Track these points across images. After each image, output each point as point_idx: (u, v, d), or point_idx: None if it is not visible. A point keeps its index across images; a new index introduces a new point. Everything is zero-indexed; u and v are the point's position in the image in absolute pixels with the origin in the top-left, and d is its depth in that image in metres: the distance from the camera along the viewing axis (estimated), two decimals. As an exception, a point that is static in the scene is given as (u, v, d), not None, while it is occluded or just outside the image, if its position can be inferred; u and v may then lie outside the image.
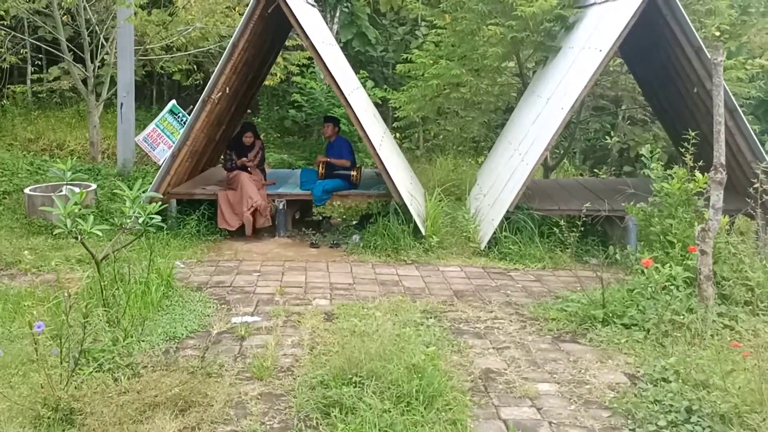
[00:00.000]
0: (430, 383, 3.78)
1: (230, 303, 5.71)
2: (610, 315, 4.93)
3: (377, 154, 7.48)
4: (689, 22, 6.51)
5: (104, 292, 5.17)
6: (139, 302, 5.28)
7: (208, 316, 5.37)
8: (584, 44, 7.35)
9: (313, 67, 13.30)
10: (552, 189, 8.50)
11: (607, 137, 12.35)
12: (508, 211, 6.95)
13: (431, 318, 5.24)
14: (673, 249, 5.14)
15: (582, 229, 5.43)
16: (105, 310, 5.12)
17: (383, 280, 6.46)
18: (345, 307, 5.48)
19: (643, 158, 5.61)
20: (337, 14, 14.30)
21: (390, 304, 5.52)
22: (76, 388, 3.91)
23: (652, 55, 7.93)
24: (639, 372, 4.30)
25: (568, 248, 6.82)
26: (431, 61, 11.04)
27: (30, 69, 13.05)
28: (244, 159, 8.16)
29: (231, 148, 8.33)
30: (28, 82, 13.24)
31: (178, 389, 3.96)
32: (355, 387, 3.80)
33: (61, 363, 4.23)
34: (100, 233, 4.88)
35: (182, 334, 4.95)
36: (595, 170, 12.58)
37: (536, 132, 7.27)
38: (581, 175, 12.54)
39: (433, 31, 11.74)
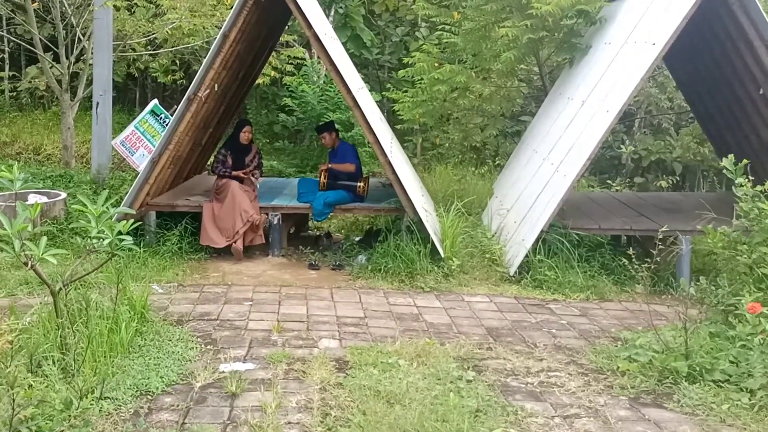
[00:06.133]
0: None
1: (217, 343, 4.69)
2: (697, 368, 3.94)
3: (388, 162, 6.49)
4: (762, 13, 5.58)
5: (61, 330, 4.21)
6: (104, 344, 4.28)
7: (190, 361, 4.36)
8: (627, 39, 6.41)
9: (306, 66, 12.32)
10: (585, 204, 7.51)
11: (621, 146, 11.38)
12: (542, 231, 5.96)
13: (470, 369, 4.21)
14: (770, 285, 4.19)
15: (657, 259, 4.42)
16: (61, 355, 4.16)
17: (400, 312, 5.45)
18: (359, 352, 4.46)
19: (725, 171, 4.63)
20: (331, 14, 13.30)
21: (414, 347, 4.50)
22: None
23: (702, 52, 7.01)
24: (758, 455, 3.33)
25: (612, 275, 5.84)
26: (435, 65, 10.07)
27: (7, 68, 12.05)
28: (239, 172, 7.19)
29: (227, 148, 7.31)
30: (6, 82, 12.18)
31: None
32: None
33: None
34: (54, 260, 3.96)
35: (157, 388, 3.95)
36: (608, 182, 11.65)
37: (572, 139, 6.30)
38: (591, 187, 11.60)
39: (436, 33, 10.78)
